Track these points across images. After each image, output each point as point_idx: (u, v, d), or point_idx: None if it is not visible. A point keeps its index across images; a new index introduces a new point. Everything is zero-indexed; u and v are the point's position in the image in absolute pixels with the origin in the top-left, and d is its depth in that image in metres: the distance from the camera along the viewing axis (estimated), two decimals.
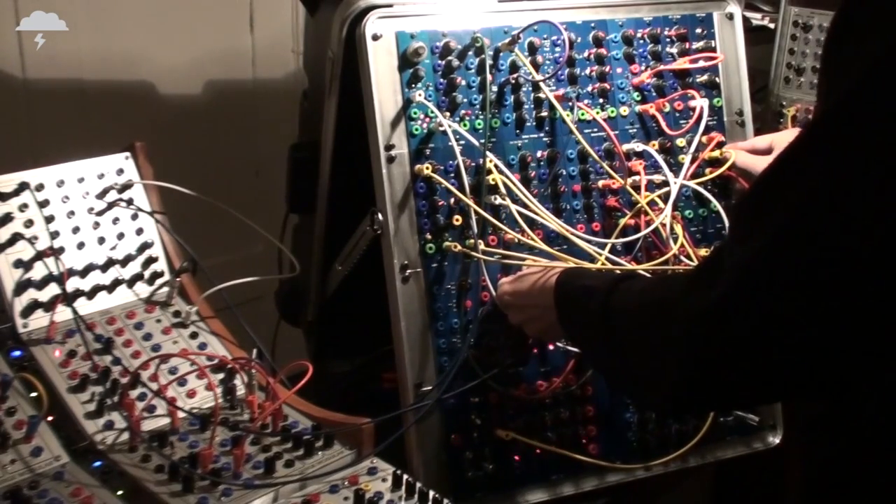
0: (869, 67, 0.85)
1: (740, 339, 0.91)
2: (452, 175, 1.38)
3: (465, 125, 1.39)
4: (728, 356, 0.92)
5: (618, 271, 1.38)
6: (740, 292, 0.90)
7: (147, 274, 1.44)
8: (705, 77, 1.54)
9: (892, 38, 0.83)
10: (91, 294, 1.38)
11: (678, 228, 1.45)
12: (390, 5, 1.38)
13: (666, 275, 1.40)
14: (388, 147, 1.36)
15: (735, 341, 0.91)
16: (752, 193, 0.98)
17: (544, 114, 1.45)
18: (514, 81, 1.43)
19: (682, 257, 1.44)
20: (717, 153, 1.52)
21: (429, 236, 1.37)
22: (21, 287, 1.32)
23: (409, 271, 1.36)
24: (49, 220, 1.37)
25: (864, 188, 0.84)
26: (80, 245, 1.40)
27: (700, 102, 1.50)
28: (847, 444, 0.99)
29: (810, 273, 0.87)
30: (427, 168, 1.36)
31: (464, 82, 1.40)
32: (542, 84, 1.43)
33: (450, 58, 1.39)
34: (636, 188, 1.46)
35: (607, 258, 1.41)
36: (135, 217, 1.46)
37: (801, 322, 0.88)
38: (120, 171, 1.46)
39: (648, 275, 1.38)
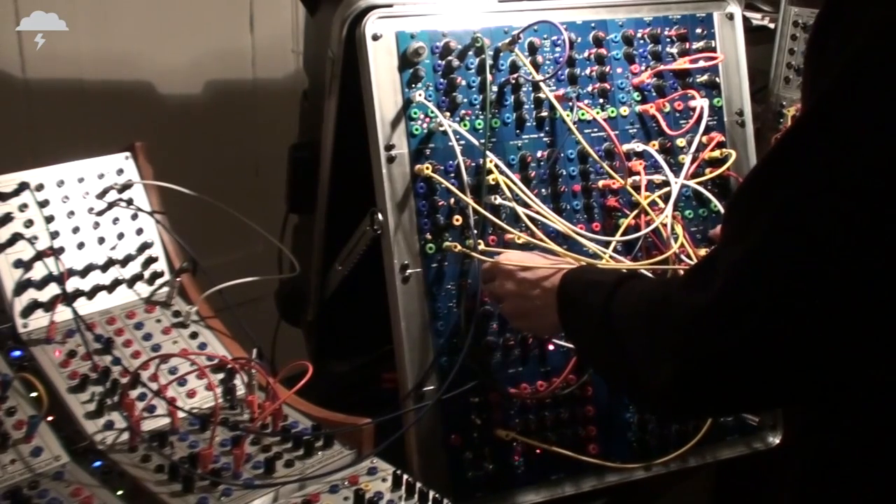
0: (847, 65, 0.86)
1: (732, 339, 0.91)
2: (452, 175, 1.38)
3: (465, 125, 1.39)
4: (720, 356, 0.92)
5: (625, 270, 1.38)
6: (732, 293, 0.90)
7: (147, 274, 1.44)
8: (705, 77, 1.55)
9: (869, 38, 0.84)
10: (91, 294, 1.38)
11: (678, 228, 1.45)
12: (390, 5, 1.38)
13: (667, 277, 1.40)
14: (388, 147, 1.36)
15: (727, 342, 0.91)
16: (740, 195, 0.98)
17: (544, 114, 1.45)
18: (514, 81, 1.43)
19: (683, 257, 1.44)
20: (717, 153, 1.53)
21: (429, 236, 1.37)
22: (21, 287, 1.32)
23: (409, 271, 1.36)
24: (49, 220, 1.37)
25: (850, 183, 0.85)
26: (80, 245, 1.40)
27: (700, 102, 1.50)
28: (842, 445, 0.99)
29: (800, 271, 0.87)
30: (427, 168, 1.36)
31: (464, 82, 1.40)
32: (542, 84, 1.43)
33: (450, 58, 1.39)
34: (636, 188, 1.46)
35: (611, 257, 1.41)
36: (135, 217, 1.46)
37: (792, 322, 0.88)
38: (120, 171, 1.46)
39: (655, 276, 1.38)
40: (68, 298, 1.34)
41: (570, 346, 1.41)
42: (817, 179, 0.86)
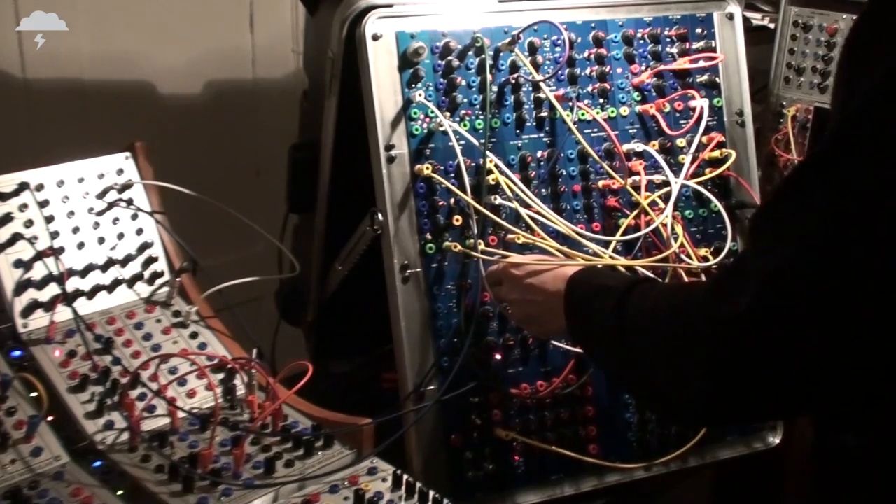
0: (889, 71, 0.85)
1: (771, 346, 0.89)
2: (452, 175, 1.38)
3: (465, 125, 1.39)
4: (757, 364, 0.91)
5: (640, 271, 1.38)
6: (770, 300, 0.89)
7: (147, 274, 1.44)
8: (705, 77, 1.55)
9: None
10: (91, 294, 1.38)
11: (678, 228, 1.45)
12: (390, 5, 1.38)
13: (685, 282, 1.40)
14: (388, 147, 1.36)
15: (765, 349, 0.90)
16: (772, 202, 0.97)
17: (544, 114, 1.45)
18: (514, 81, 1.43)
19: (683, 257, 1.44)
20: (717, 153, 1.53)
21: (429, 236, 1.37)
22: (21, 287, 1.32)
23: (409, 271, 1.36)
24: (49, 220, 1.37)
25: (889, 192, 0.84)
26: (80, 245, 1.40)
27: (700, 102, 1.50)
28: (861, 436, 0.99)
29: (840, 279, 0.86)
30: (427, 168, 1.36)
31: (464, 82, 1.40)
32: (542, 84, 1.43)
33: (450, 58, 1.39)
34: (636, 188, 1.46)
35: (611, 257, 1.41)
36: (135, 217, 1.46)
37: (832, 328, 0.87)
38: (120, 171, 1.46)
39: (655, 275, 1.38)
40: (68, 298, 1.34)
41: (571, 346, 1.41)
42: (856, 186, 0.86)
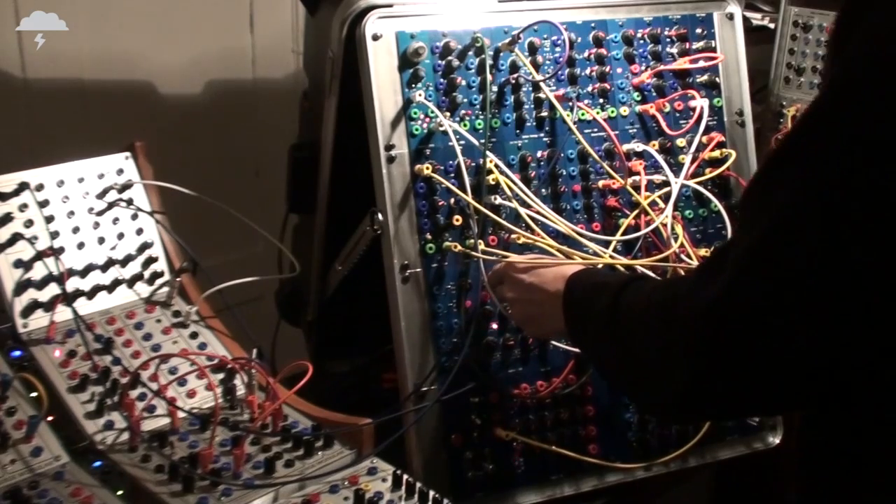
0: (849, 63, 0.86)
1: (745, 331, 0.89)
2: (452, 175, 1.38)
3: (465, 125, 1.39)
4: (734, 351, 0.91)
5: (638, 269, 1.38)
6: (741, 284, 0.89)
7: (147, 274, 1.44)
8: (705, 77, 1.55)
9: (879, 32, 0.84)
10: (91, 294, 1.38)
11: (678, 228, 1.45)
12: (390, 5, 1.38)
13: (677, 276, 1.40)
14: (388, 147, 1.36)
15: (740, 334, 0.90)
16: (748, 192, 0.98)
17: (544, 114, 1.45)
18: (514, 81, 1.43)
19: (683, 257, 1.44)
20: (717, 153, 1.53)
21: (429, 236, 1.37)
22: (21, 287, 1.32)
23: (409, 271, 1.36)
24: (49, 220, 1.37)
25: (855, 174, 0.85)
26: (80, 245, 1.40)
27: (700, 102, 1.50)
28: (845, 438, 0.99)
29: (807, 260, 0.86)
30: (427, 168, 1.36)
31: (464, 82, 1.40)
32: (542, 84, 1.43)
33: (450, 58, 1.39)
34: (636, 188, 1.46)
35: (611, 257, 1.41)
36: (135, 217, 1.46)
37: (803, 311, 0.87)
38: (120, 171, 1.46)
39: (655, 275, 1.38)
40: (68, 298, 1.34)
41: (571, 346, 1.41)
42: (822, 169, 0.86)
